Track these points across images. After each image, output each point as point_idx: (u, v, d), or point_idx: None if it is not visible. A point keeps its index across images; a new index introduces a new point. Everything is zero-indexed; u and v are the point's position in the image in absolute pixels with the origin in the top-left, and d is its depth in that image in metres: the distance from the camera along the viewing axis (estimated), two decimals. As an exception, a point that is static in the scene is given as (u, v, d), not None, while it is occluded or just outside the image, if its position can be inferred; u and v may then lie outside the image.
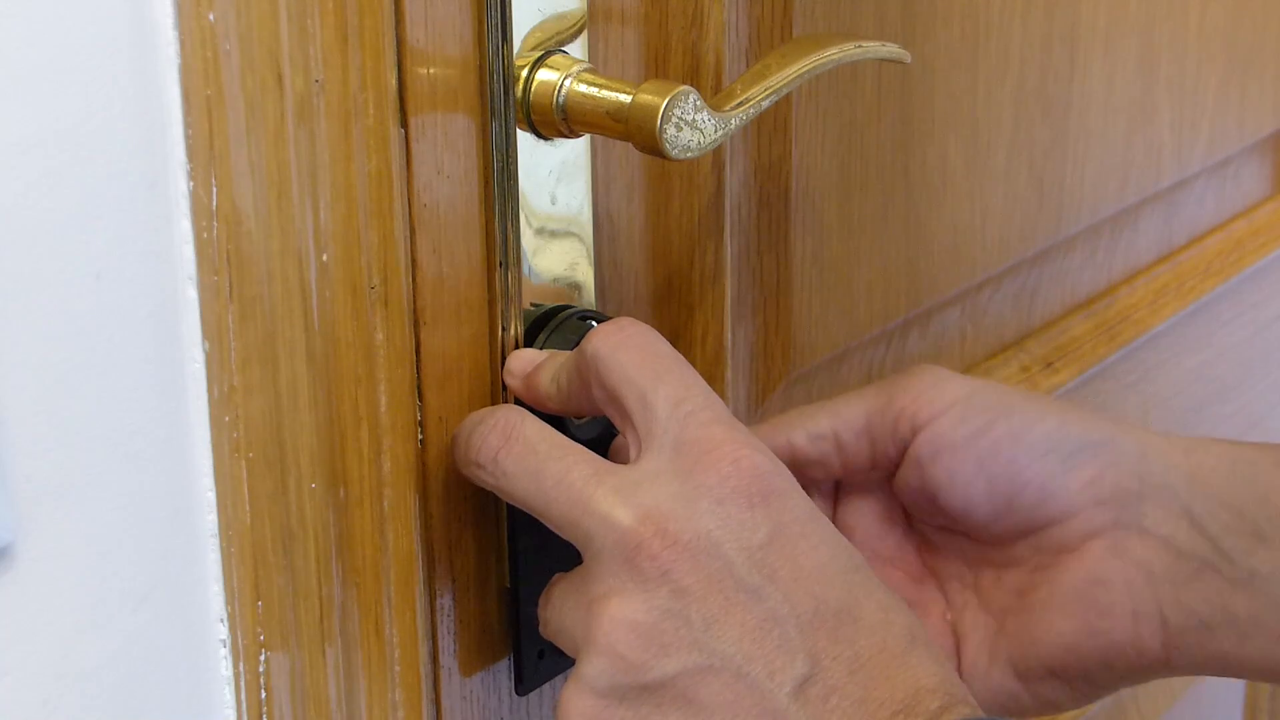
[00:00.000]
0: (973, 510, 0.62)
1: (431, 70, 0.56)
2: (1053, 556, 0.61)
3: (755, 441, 0.55)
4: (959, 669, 0.63)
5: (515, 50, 0.58)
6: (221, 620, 0.55)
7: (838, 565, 0.54)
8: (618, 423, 0.56)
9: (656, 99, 0.57)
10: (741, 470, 0.54)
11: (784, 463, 0.55)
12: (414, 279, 0.57)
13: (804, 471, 0.63)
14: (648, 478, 0.54)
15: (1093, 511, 0.61)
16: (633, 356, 0.55)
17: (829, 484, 0.65)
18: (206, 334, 0.52)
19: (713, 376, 0.70)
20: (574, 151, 0.62)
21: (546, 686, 0.65)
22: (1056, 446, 0.61)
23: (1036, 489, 0.61)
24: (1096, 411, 0.64)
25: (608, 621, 0.52)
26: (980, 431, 0.61)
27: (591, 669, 0.53)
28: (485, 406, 0.60)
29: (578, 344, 0.60)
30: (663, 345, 0.56)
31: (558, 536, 0.55)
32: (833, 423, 0.63)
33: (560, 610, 0.56)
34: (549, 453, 0.55)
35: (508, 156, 0.58)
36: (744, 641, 0.52)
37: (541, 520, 0.55)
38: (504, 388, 0.61)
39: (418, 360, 0.57)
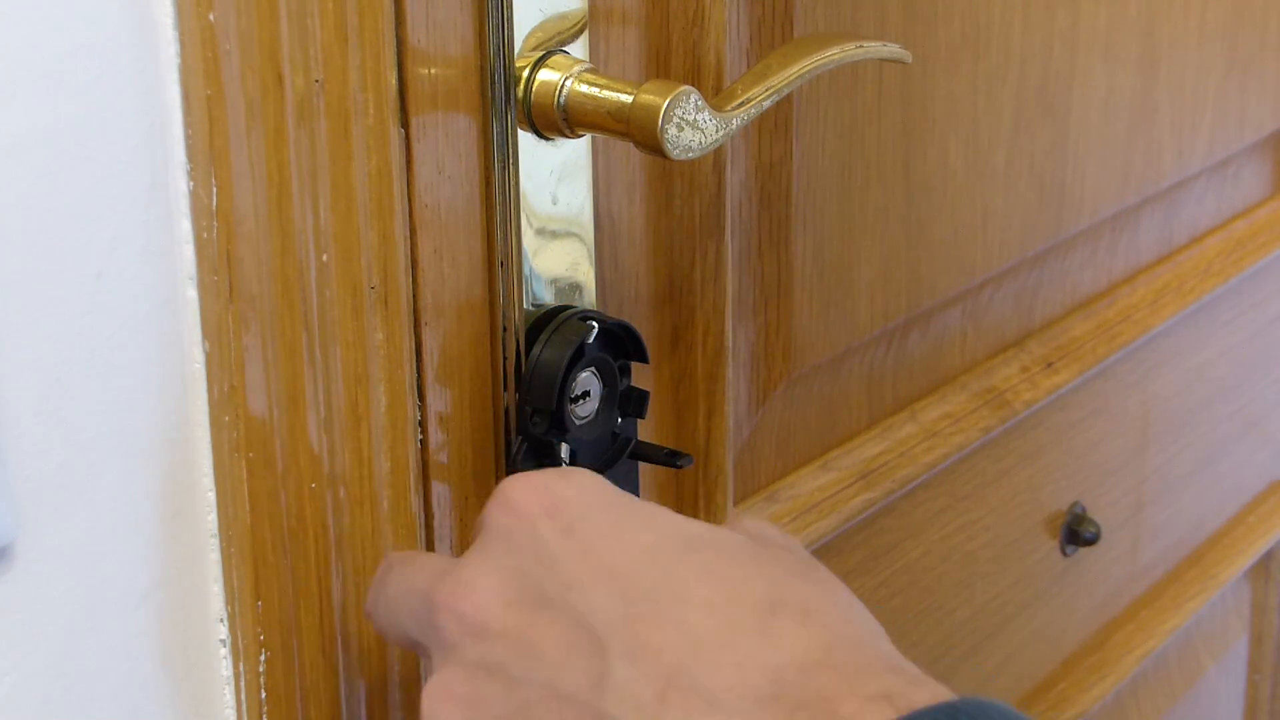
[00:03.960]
0: None
1: (432, 70, 0.55)
2: None
3: (548, 473, 0.51)
4: None
5: (516, 50, 0.58)
6: (221, 620, 0.55)
7: (656, 555, 0.48)
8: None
9: (658, 99, 0.57)
10: (520, 501, 0.50)
11: None
12: (414, 279, 0.57)
13: None
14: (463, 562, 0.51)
15: None
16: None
17: None
18: (206, 334, 0.52)
19: (713, 376, 0.70)
20: (575, 151, 0.62)
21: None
22: None
23: None
24: None
25: (430, 701, 0.49)
26: None
27: None
28: (486, 409, 0.60)
29: (577, 346, 0.60)
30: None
31: None
32: None
33: None
34: (396, 578, 0.53)
35: (509, 157, 0.58)
36: (554, 660, 0.48)
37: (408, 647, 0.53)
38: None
39: (418, 360, 0.57)
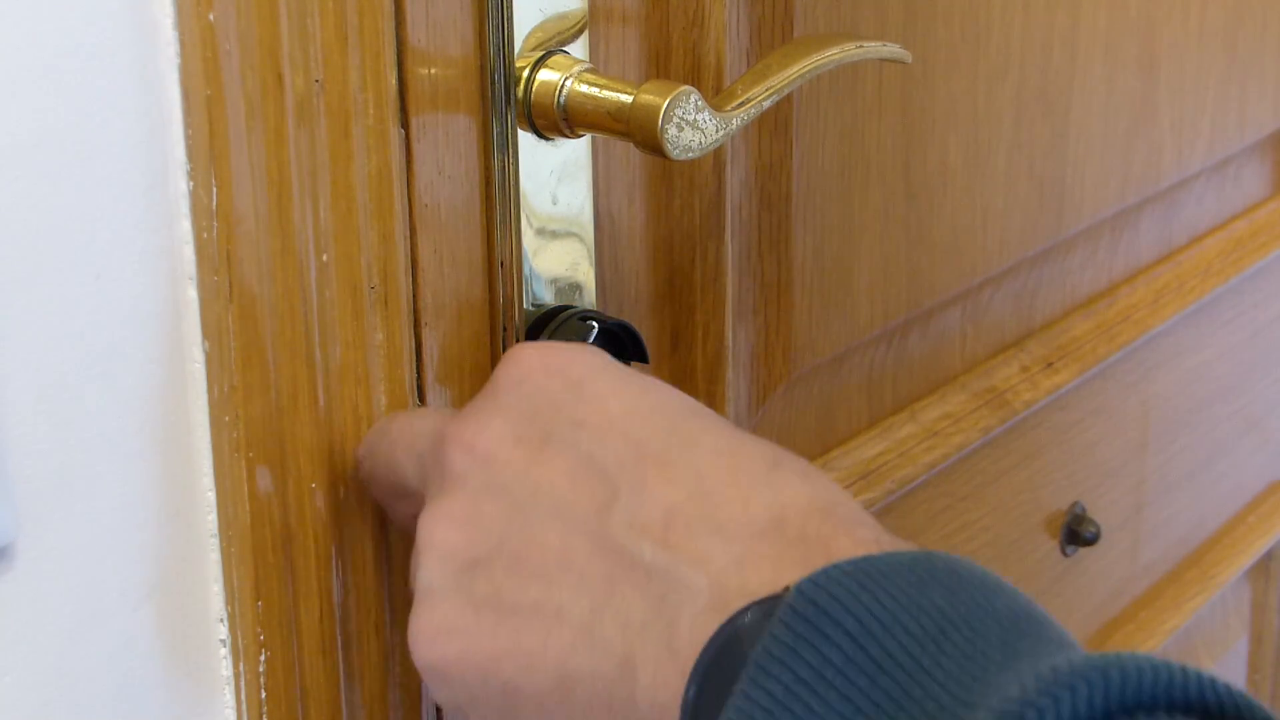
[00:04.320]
0: None
1: (432, 70, 0.55)
2: None
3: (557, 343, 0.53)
4: None
5: (516, 50, 0.58)
6: (221, 620, 0.55)
7: (662, 410, 0.51)
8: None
9: (658, 99, 0.57)
10: (530, 359, 0.52)
11: None
12: (414, 279, 0.57)
13: None
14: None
15: None
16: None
17: None
18: (206, 334, 0.52)
19: (713, 377, 0.70)
20: (575, 151, 0.62)
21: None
22: None
23: None
24: None
25: (427, 524, 0.50)
26: None
27: (423, 576, 0.50)
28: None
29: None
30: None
31: None
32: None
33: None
34: (400, 423, 0.55)
35: (509, 157, 0.58)
36: (559, 488, 0.49)
37: (398, 494, 0.54)
38: None
39: (418, 360, 0.57)
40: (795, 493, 0.48)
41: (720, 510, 0.47)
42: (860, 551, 0.45)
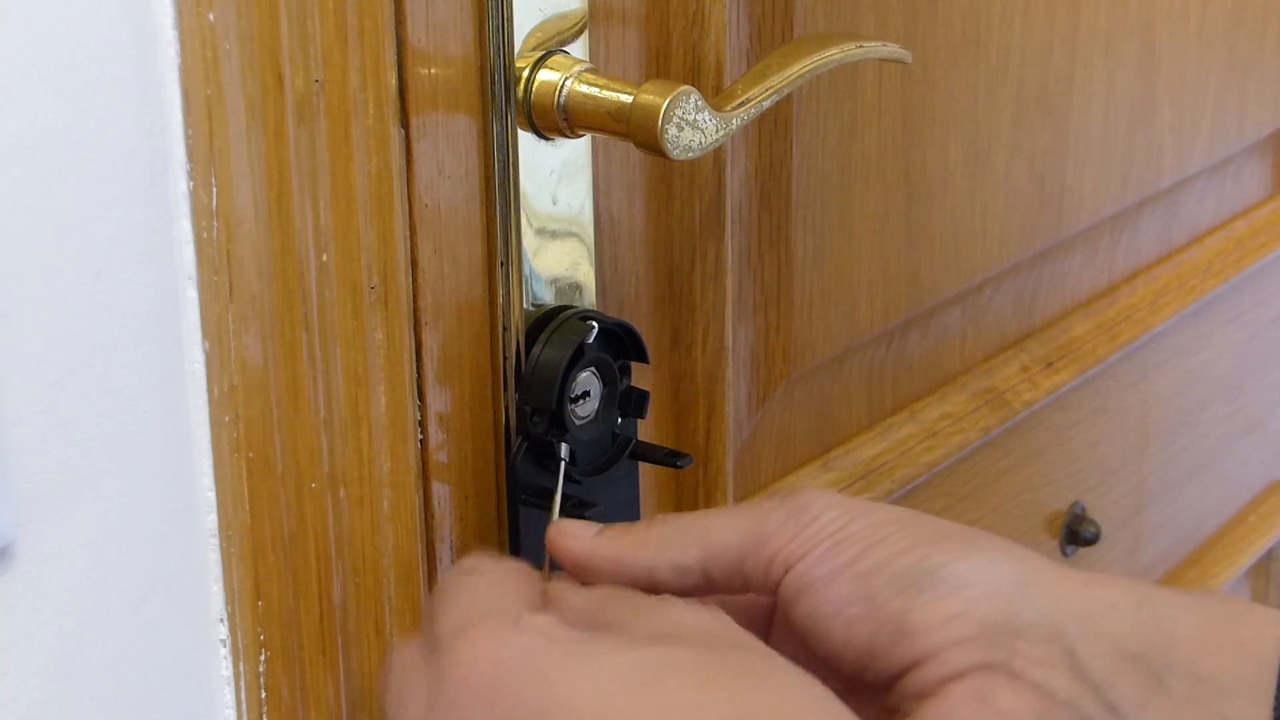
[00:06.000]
0: (841, 655, 0.53)
1: (432, 70, 0.55)
2: (914, 703, 0.51)
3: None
4: None
5: (516, 50, 0.58)
6: (221, 620, 0.55)
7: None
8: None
9: (658, 99, 0.57)
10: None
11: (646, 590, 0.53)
12: (414, 279, 0.57)
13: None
14: None
15: (954, 651, 0.51)
16: None
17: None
18: (206, 334, 0.52)
19: (713, 377, 0.70)
20: (575, 151, 0.62)
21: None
22: (917, 578, 0.52)
23: (892, 627, 0.52)
24: (991, 537, 0.55)
25: None
26: (842, 568, 0.53)
27: None
28: (486, 409, 0.60)
29: (577, 346, 0.60)
30: None
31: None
32: (703, 555, 0.55)
33: None
34: None
35: (509, 157, 0.58)
36: None
37: None
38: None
39: (418, 360, 0.57)
40: None
41: None
42: None
